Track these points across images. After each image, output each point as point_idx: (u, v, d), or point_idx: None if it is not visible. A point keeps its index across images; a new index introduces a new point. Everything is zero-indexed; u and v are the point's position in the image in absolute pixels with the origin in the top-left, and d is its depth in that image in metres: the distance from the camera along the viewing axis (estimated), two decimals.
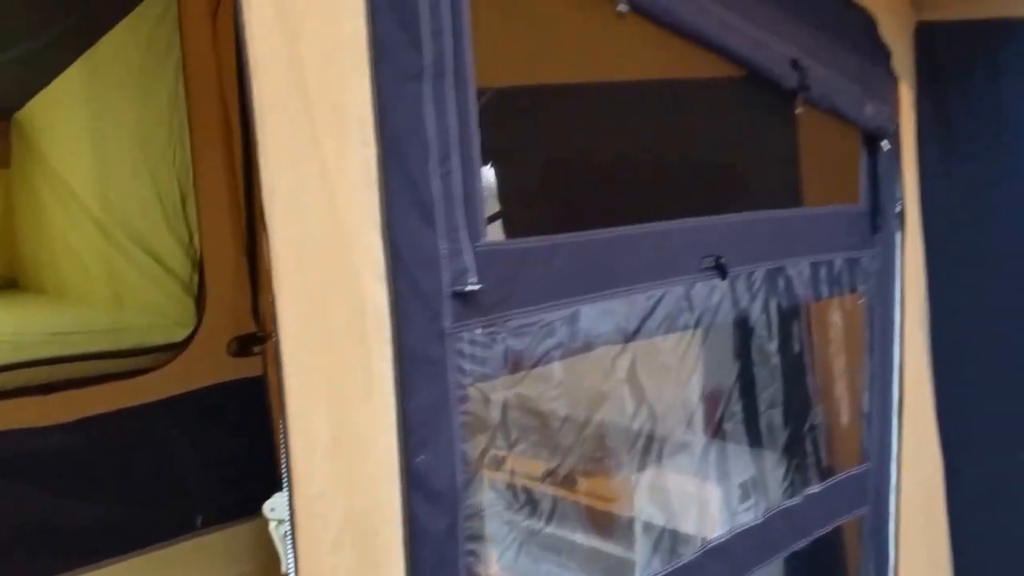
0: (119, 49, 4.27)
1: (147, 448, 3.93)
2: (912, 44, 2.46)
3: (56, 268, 5.06)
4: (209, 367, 4.12)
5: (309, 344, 1.21)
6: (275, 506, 1.28)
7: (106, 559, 3.78)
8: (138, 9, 4.14)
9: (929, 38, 2.46)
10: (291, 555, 1.22)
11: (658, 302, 1.73)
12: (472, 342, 1.38)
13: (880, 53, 2.32)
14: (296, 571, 1.21)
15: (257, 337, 4.22)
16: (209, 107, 4.10)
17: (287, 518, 1.23)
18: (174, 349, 4.06)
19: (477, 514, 1.39)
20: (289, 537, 1.24)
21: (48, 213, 5.13)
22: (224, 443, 4.17)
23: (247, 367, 4.25)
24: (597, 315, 1.62)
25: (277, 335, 1.18)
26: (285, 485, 1.22)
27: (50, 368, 3.78)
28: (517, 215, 1.55)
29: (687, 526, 2.03)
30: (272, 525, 1.30)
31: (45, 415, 3.65)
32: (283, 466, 1.22)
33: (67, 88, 4.54)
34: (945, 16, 2.44)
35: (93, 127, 4.51)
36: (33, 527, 3.64)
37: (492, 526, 1.56)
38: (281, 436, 1.22)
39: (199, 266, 4.15)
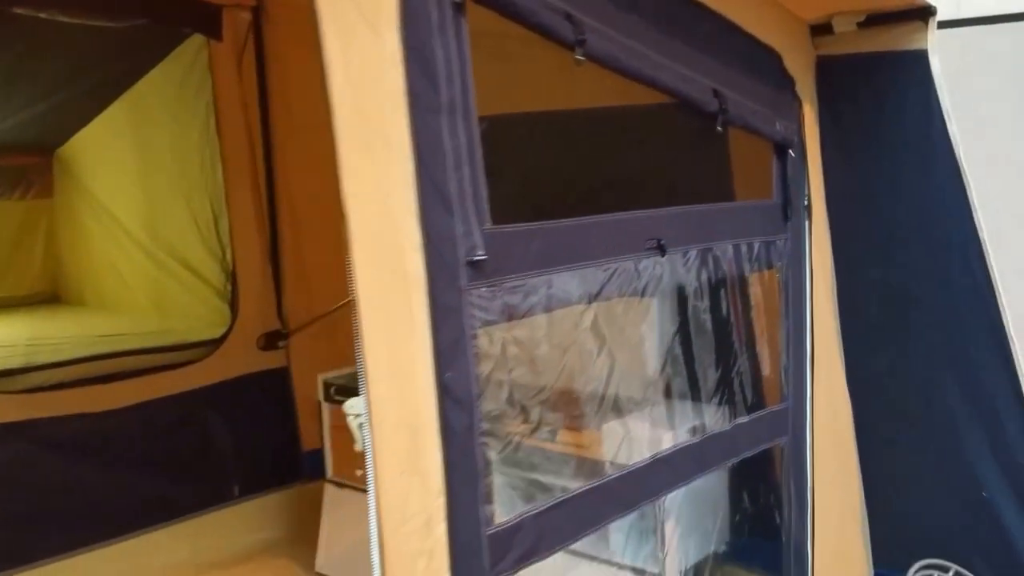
0: (155, 90, 4.89)
1: (190, 428, 4.54)
2: (813, 73, 3.11)
3: (96, 283, 5.59)
4: (241, 359, 4.74)
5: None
6: (354, 405, 1.89)
7: (157, 524, 4.38)
8: (172, 55, 4.74)
9: (827, 68, 3.10)
10: (367, 437, 1.82)
11: (613, 273, 2.36)
12: (480, 297, 2.00)
13: (785, 81, 2.96)
14: (373, 448, 1.81)
15: (281, 333, 4.87)
16: (237, 138, 4.73)
17: (363, 412, 1.83)
18: (212, 344, 4.66)
19: (487, 417, 2.01)
20: (364, 427, 1.84)
21: (89, 235, 5.70)
22: (254, 424, 4.80)
23: (273, 359, 4.87)
24: (567, 281, 2.25)
25: (355, 291, 1.80)
26: (363, 391, 1.81)
27: (110, 362, 4.35)
28: (508, 208, 2.15)
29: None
30: (351, 418, 1.90)
31: (105, 401, 4.25)
32: (360, 378, 1.81)
33: (107, 126, 5.10)
34: (839, 51, 3.08)
35: (133, 159, 5.10)
36: (95, 497, 4.21)
37: (496, 427, 2.18)
38: (358, 361, 1.81)
39: (232, 275, 4.73)
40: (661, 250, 2.48)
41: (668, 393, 2.75)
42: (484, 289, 2.01)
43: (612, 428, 2.68)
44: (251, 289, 4.81)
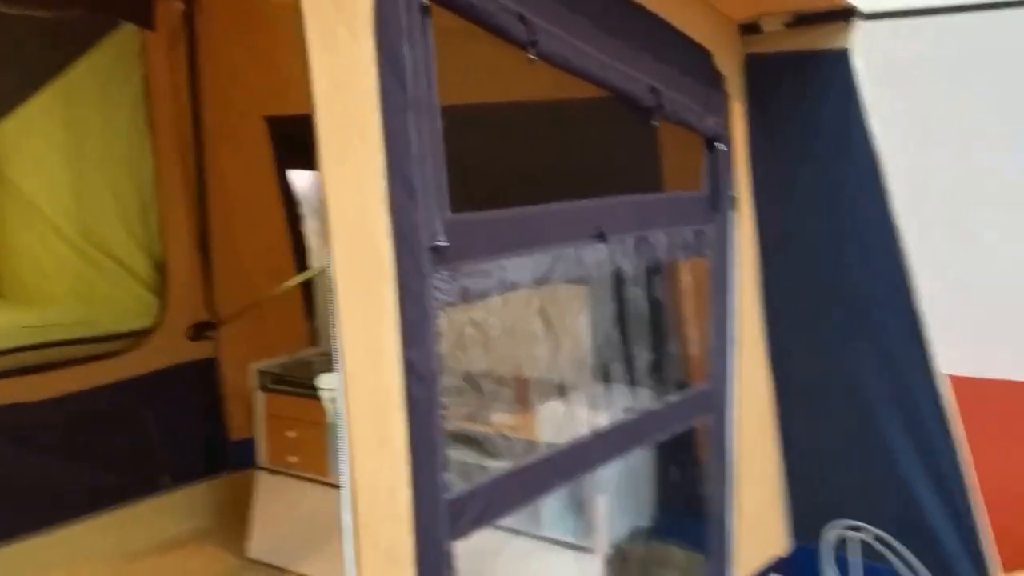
0: (83, 79, 4.80)
1: (121, 418, 4.57)
2: (742, 70, 3.29)
3: (17, 275, 5.44)
4: (171, 350, 4.78)
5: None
6: (327, 381, 1.99)
7: (87, 514, 4.39)
8: (101, 44, 4.71)
9: (755, 66, 3.29)
10: (340, 410, 1.93)
11: (558, 259, 2.51)
12: (441, 280, 2.12)
13: (716, 78, 3.14)
14: (347, 421, 1.92)
15: (210, 324, 4.89)
16: (168, 129, 4.76)
17: (336, 388, 1.94)
18: (141, 335, 4.67)
19: (446, 391, 2.14)
20: (337, 401, 1.95)
21: (8, 226, 5.56)
22: (183, 414, 4.83)
23: (202, 350, 4.91)
24: (518, 266, 2.38)
25: (332, 273, 1.90)
26: (337, 368, 1.92)
27: (37, 353, 4.33)
28: (462, 198, 2.27)
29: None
30: (324, 393, 2.00)
31: (35, 392, 4.25)
32: (337, 355, 1.91)
33: (31, 116, 5.00)
34: (767, 49, 3.27)
35: (57, 150, 4.98)
36: (25, 486, 4.20)
37: (454, 401, 2.31)
38: (334, 340, 1.91)
39: (162, 265, 4.74)
40: (602, 238, 2.63)
41: (606, 373, 2.90)
42: (445, 273, 2.13)
43: (553, 407, 2.84)
44: (180, 279, 4.84)
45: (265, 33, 4.58)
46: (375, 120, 1.98)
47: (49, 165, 5.02)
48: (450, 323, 2.21)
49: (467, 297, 2.24)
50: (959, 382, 3.20)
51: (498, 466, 2.71)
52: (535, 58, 2.34)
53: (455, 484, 2.16)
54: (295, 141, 4.81)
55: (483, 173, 2.46)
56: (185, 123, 4.84)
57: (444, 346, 2.16)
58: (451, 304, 2.18)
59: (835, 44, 3.09)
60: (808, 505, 3.55)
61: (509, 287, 2.38)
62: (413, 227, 2.05)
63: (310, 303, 4.94)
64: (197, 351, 4.89)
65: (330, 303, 1.93)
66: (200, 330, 4.88)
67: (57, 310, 4.83)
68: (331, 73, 1.89)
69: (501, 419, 2.65)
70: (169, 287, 4.80)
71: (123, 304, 4.86)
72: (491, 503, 2.29)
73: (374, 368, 1.99)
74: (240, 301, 4.86)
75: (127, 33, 4.69)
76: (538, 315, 2.64)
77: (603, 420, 2.83)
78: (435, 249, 2.09)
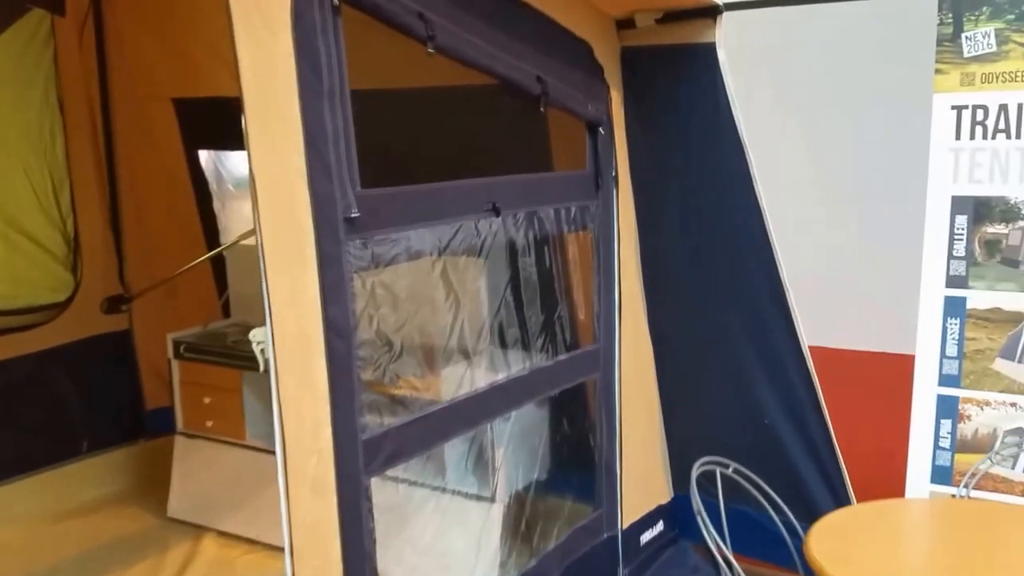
0: None
1: (40, 387, 4.74)
2: (619, 61, 3.65)
3: None
4: (86, 322, 4.96)
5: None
6: (256, 334, 2.28)
7: (10, 478, 4.58)
8: (11, 28, 4.82)
9: (631, 57, 3.65)
10: (271, 359, 2.21)
11: (458, 230, 2.83)
12: (354, 247, 2.42)
13: (595, 69, 3.49)
14: (274, 366, 2.21)
15: (124, 298, 5.09)
16: (79, 110, 4.92)
17: (265, 340, 2.23)
18: (56, 308, 4.84)
19: (361, 345, 2.45)
20: (267, 351, 2.24)
21: None
22: (100, 383, 5.02)
23: (116, 322, 5.10)
24: (422, 236, 2.70)
25: (260, 240, 2.19)
26: (268, 322, 2.20)
27: None
28: (372, 176, 2.57)
29: None
30: (255, 344, 2.29)
31: None
32: (266, 311, 2.20)
33: None
34: (641, 43, 3.63)
35: None
36: None
37: (367, 354, 2.61)
38: (265, 300, 2.20)
39: (75, 241, 4.91)
40: (496, 212, 2.96)
41: (502, 337, 3.24)
42: (358, 241, 2.44)
43: (455, 369, 3.17)
44: (94, 255, 5.02)
45: (171, 19, 4.78)
46: (294, 106, 2.27)
47: None
48: (363, 285, 2.51)
49: (377, 262, 2.56)
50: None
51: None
52: (432, 51, 2.65)
53: (370, 427, 2.47)
54: (203, 122, 5.04)
55: (390, 153, 2.73)
56: (95, 105, 5.00)
57: (359, 305, 2.47)
58: (364, 268, 2.49)
59: (702, 39, 3.45)
60: (685, 456, 3.93)
61: (414, 255, 2.70)
62: (329, 200, 2.35)
63: (221, 278, 5.16)
64: (112, 324, 5.08)
65: (259, 269, 2.21)
66: (114, 303, 5.07)
67: None
68: (255, 65, 2.18)
69: (407, 381, 2.96)
70: (83, 262, 4.96)
71: (37, 279, 4.98)
72: (401, 445, 2.61)
73: (298, 323, 2.28)
74: (152, 276, 5.06)
75: (36, 17, 4.81)
76: (441, 281, 2.97)
77: (501, 380, 3.16)
78: (348, 220, 2.39)
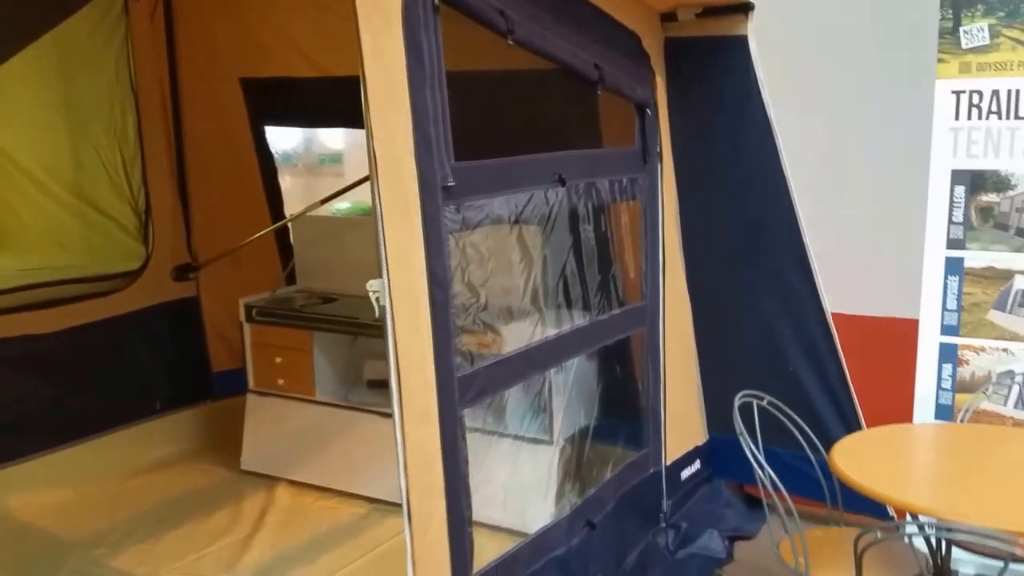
0: (65, 42, 5.21)
1: (117, 349, 5.15)
2: (663, 51, 4.04)
3: None
4: (158, 289, 5.37)
5: (390, 210, 2.61)
6: (374, 284, 2.67)
7: (94, 434, 5.00)
8: (83, 9, 5.17)
9: (673, 47, 4.04)
10: (386, 306, 2.61)
11: (530, 198, 3.23)
12: (450, 212, 2.82)
13: (643, 57, 3.88)
14: (390, 312, 2.61)
15: (191, 266, 5.49)
16: (151, 90, 5.29)
17: (381, 290, 2.62)
18: (129, 276, 5.24)
19: (455, 295, 2.85)
20: (382, 299, 2.63)
21: None
22: (171, 346, 5.43)
23: (185, 289, 5.51)
24: (502, 203, 3.10)
25: (379, 206, 2.58)
26: (384, 275, 2.60)
27: (41, 291, 4.87)
28: (464, 148, 2.96)
29: None
30: (372, 294, 2.68)
31: (43, 325, 4.81)
32: (383, 265, 2.60)
33: (10, 76, 5.38)
34: (682, 34, 4.02)
35: (38, 108, 5.35)
36: (40, 409, 4.80)
37: (459, 302, 3.02)
38: (382, 255, 2.59)
39: (146, 213, 5.31)
40: (562, 182, 3.36)
41: (566, 293, 3.65)
42: (452, 206, 2.84)
43: (527, 320, 3.59)
44: (164, 226, 5.43)
45: (239, 2, 5.16)
46: (404, 91, 2.67)
47: (27, 123, 5.38)
48: (456, 245, 2.92)
49: (467, 225, 2.96)
50: None
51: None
52: (511, 43, 3.04)
53: (463, 366, 2.88)
54: (269, 100, 5.43)
55: (469, 129, 3.12)
56: (164, 84, 5.40)
57: (453, 262, 2.87)
58: (456, 230, 2.89)
59: (736, 31, 3.86)
60: (719, 402, 4.35)
61: (496, 220, 3.10)
62: (430, 171, 2.75)
63: (284, 247, 5.56)
64: (181, 291, 5.50)
65: (376, 227, 2.61)
66: (182, 272, 5.49)
67: (49, 255, 5.30)
68: (373, 56, 2.57)
69: (490, 327, 3.38)
70: (155, 233, 5.36)
71: (110, 250, 5.38)
72: (487, 383, 3.02)
73: (408, 275, 2.69)
74: (218, 246, 5.46)
75: (107, 0, 5.18)
76: (516, 244, 3.39)
77: (566, 330, 3.58)
78: (445, 188, 2.79)
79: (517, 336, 3.40)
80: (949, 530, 2.55)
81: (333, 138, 7.57)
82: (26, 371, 4.76)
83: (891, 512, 3.79)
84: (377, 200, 2.60)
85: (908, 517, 3.04)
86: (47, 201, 5.44)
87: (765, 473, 2.95)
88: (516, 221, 3.27)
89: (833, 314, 4.05)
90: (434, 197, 2.76)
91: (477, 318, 3.28)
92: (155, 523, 4.42)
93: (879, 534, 2.59)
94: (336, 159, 7.75)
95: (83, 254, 5.40)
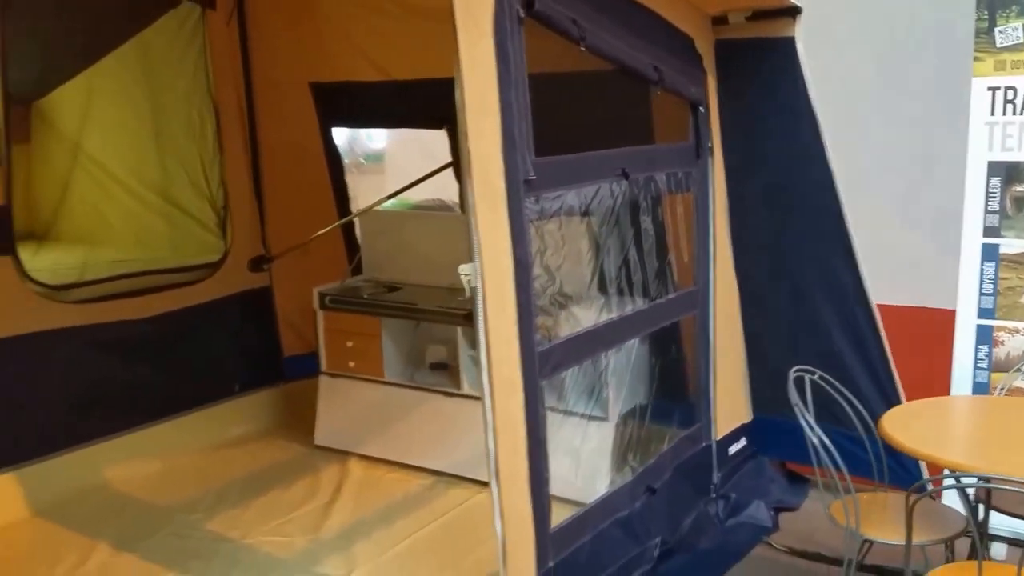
0: (145, 50, 5.60)
1: (200, 335, 5.53)
2: (714, 52, 4.34)
3: (73, 221, 6.02)
4: (235, 280, 5.75)
5: (482, 201, 2.93)
6: (466, 269, 3.00)
7: (174, 414, 5.39)
8: (162, 18, 5.55)
9: (724, 48, 4.34)
10: (477, 287, 2.93)
11: (597, 190, 3.56)
12: (530, 202, 3.14)
13: (696, 58, 4.19)
14: (481, 292, 2.93)
15: (265, 258, 5.86)
16: (228, 94, 5.66)
17: (472, 273, 2.95)
18: (211, 267, 5.61)
19: (536, 277, 3.18)
20: (472, 281, 2.95)
21: (65, 178, 6.07)
22: (247, 332, 5.80)
23: (260, 280, 5.88)
24: (574, 195, 3.42)
25: (472, 197, 2.90)
26: (477, 259, 2.92)
27: (133, 281, 5.26)
28: (541, 145, 3.27)
29: None
30: (463, 277, 3.01)
31: (135, 311, 5.19)
32: (476, 249, 2.92)
33: (94, 81, 5.70)
34: (733, 36, 4.32)
35: (120, 111, 5.74)
36: (132, 389, 5.19)
37: (538, 284, 3.35)
38: (475, 241, 2.91)
39: (224, 209, 5.67)
40: (625, 176, 3.68)
41: (628, 278, 3.97)
42: (532, 198, 3.16)
43: (595, 302, 3.93)
44: (241, 222, 5.80)
45: (308, 11, 5.51)
46: (494, 94, 2.99)
47: (115, 129, 5.79)
48: (535, 232, 3.24)
49: (544, 215, 3.28)
50: None
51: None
52: (583, 49, 3.37)
53: (541, 342, 3.21)
54: (337, 103, 5.78)
55: (545, 128, 3.43)
56: (240, 88, 5.76)
57: (533, 248, 3.20)
58: (535, 219, 3.21)
59: (784, 33, 4.14)
60: (764, 383, 4.65)
61: (568, 211, 3.43)
62: (515, 166, 3.07)
63: (351, 241, 5.91)
64: (256, 281, 5.87)
65: (469, 219, 2.93)
66: (257, 263, 5.85)
67: (136, 250, 5.68)
68: (469, 63, 2.88)
69: (564, 308, 3.73)
70: (233, 227, 5.73)
71: (191, 244, 5.76)
72: (562, 357, 3.35)
73: (496, 260, 3.01)
74: (289, 239, 5.82)
75: (186, 9, 5.53)
76: (585, 232, 3.73)
77: (628, 312, 3.91)
78: (527, 181, 3.12)
79: (586, 316, 3.73)
80: (988, 481, 2.86)
81: (376, 138, 7.95)
82: (120, 353, 5.14)
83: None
84: (470, 192, 2.93)
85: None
86: (132, 201, 5.81)
87: (815, 433, 3.25)
88: (585, 212, 3.58)
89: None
90: (517, 189, 3.09)
91: (554, 299, 3.61)
92: (241, 492, 4.79)
93: (929, 486, 2.89)
94: (378, 158, 8.14)
95: (168, 249, 5.77)
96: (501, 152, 3.02)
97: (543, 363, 3.22)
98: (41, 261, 4.99)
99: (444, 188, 5.75)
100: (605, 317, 3.72)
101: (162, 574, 3.91)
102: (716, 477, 4.42)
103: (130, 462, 5.02)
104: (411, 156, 6.43)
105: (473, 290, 2.97)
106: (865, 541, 3.35)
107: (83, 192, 6.03)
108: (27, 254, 4.83)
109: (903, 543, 3.01)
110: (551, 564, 3.23)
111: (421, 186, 5.66)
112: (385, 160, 8.34)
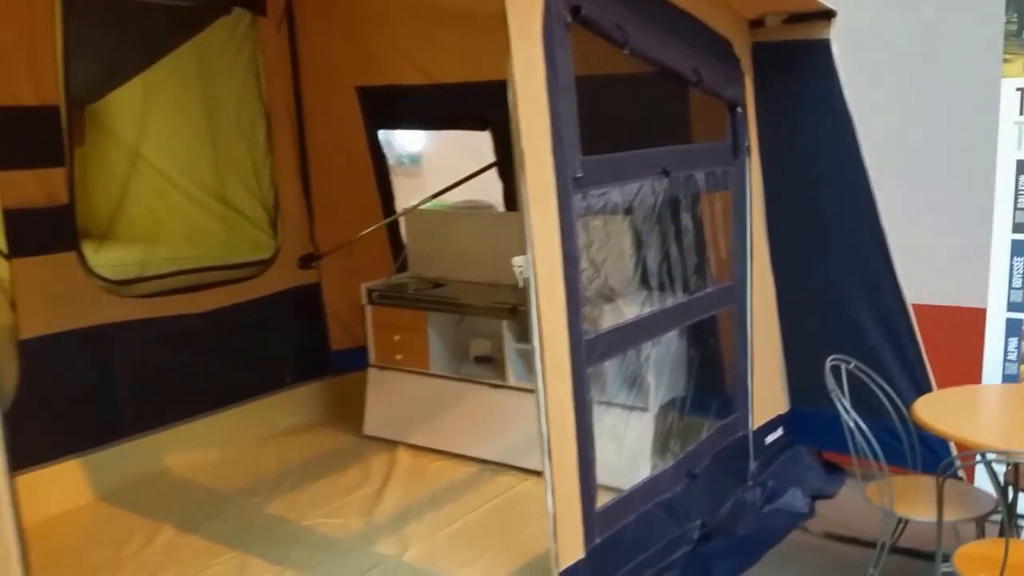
0: (198, 56, 5.78)
1: (254, 328, 5.74)
2: (751, 54, 4.50)
3: (130, 222, 5.98)
4: (286, 276, 5.96)
5: (535, 198, 3.11)
6: (519, 261, 3.18)
7: (229, 404, 5.61)
8: (214, 24, 5.75)
9: (760, 50, 4.50)
10: (529, 278, 3.11)
11: (640, 188, 3.73)
12: (578, 199, 3.32)
13: (734, 60, 4.35)
14: (534, 283, 3.11)
15: (314, 256, 6.07)
16: (278, 97, 5.87)
17: (525, 265, 3.13)
18: (263, 264, 5.83)
19: (582, 270, 3.35)
20: (525, 272, 3.13)
21: (120, 178, 6.10)
22: (297, 327, 6.01)
23: (309, 276, 6.09)
24: (618, 192, 3.60)
25: (526, 194, 3.08)
26: (530, 252, 3.10)
27: (191, 276, 5.48)
28: (587, 144, 3.45)
29: None
30: (516, 269, 3.19)
31: (190, 306, 5.42)
32: (528, 243, 3.10)
33: (147, 86, 5.81)
34: (769, 39, 4.47)
35: (172, 114, 5.89)
36: (194, 380, 5.43)
37: (585, 276, 3.53)
38: (528, 235, 3.10)
39: (275, 209, 5.89)
40: (667, 174, 3.86)
41: (669, 272, 4.14)
42: (579, 194, 3.34)
43: (637, 295, 4.10)
44: (291, 221, 6.01)
45: (355, 18, 5.71)
46: (544, 97, 3.17)
47: (170, 132, 5.94)
48: (582, 227, 3.42)
49: (590, 211, 3.46)
50: None
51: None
52: (627, 53, 3.54)
53: (588, 331, 3.39)
54: (382, 107, 5.98)
55: (590, 128, 3.60)
56: (289, 92, 5.97)
57: (580, 242, 3.38)
58: (582, 215, 3.39)
59: (819, 36, 4.30)
60: (800, 375, 4.80)
61: (612, 208, 3.61)
62: (563, 165, 3.25)
63: (396, 239, 6.11)
64: (305, 278, 6.08)
65: (522, 214, 3.11)
66: (306, 261, 6.06)
67: (192, 249, 5.88)
68: (521, 68, 3.07)
69: (609, 299, 3.91)
70: (283, 226, 5.94)
71: (244, 242, 5.96)
72: (608, 347, 3.53)
73: (548, 253, 3.20)
74: (337, 238, 6.03)
75: (237, 15, 5.73)
76: (628, 228, 3.92)
77: (669, 304, 4.08)
78: (575, 179, 3.30)
79: (629, 308, 3.90)
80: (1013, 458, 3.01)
81: (412, 141, 8.16)
82: (178, 346, 5.37)
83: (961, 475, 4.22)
84: (523, 189, 3.11)
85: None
86: (187, 203, 5.96)
87: (850, 417, 3.41)
88: (628, 208, 3.76)
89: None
90: (566, 186, 3.27)
91: (599, 291, 3.79)
92: (297, 478, 5.01)
93: (957, 462, 3.05)
94: (415, 160, 8.37)
95: (222, 247, 5.97)
96: (551, 151, 3.21)
97: (590, 351, 3.40)
98: (102, 258, 5.19)
99: (481, 189, 5.94)
100: (647, 310, 3.90)
101: (226, 553, 4.12)
102: (753, 465, 4.57)
103: (189, 449, 5.25)
104: (448, 158, 6.64)
105: (525, 281, 3.16)
106: (899, 521, 3.50)
107: (140, 194, 6.12)
108: (89, 251, 5.03)
109: (935, 520, 3.16)
110: (597, 541, 3.41)
111: (457, 187, 5.87)
112: (422, 163, 8.59)
